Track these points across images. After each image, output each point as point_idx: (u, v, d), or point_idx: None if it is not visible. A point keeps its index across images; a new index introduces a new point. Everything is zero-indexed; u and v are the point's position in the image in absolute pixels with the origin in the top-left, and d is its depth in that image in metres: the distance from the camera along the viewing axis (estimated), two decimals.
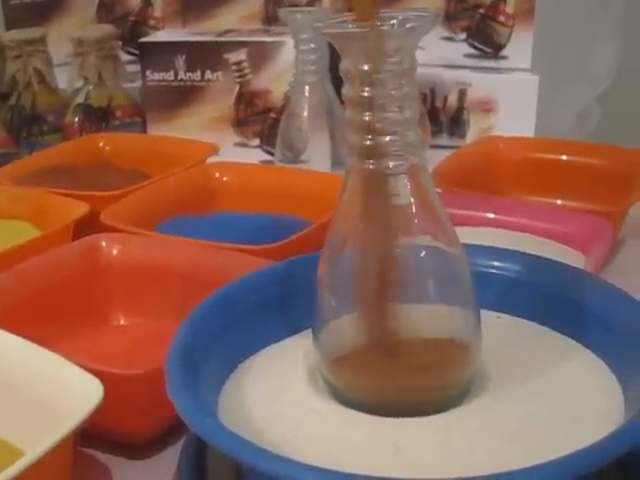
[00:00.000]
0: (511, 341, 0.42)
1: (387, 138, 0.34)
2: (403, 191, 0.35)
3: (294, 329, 0.43)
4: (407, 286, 0.37)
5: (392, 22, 0.32)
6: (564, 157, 0.75)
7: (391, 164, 0.34)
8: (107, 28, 0.92)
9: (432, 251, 0.37)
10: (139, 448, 0.46)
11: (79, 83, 0.91)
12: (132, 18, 1.03)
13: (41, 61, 0.91)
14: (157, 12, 1.03)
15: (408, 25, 0.32)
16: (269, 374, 0.40)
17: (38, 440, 0.37)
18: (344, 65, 0.34)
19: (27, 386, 0.43)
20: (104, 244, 0.61)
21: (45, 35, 0.91)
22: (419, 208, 0.35)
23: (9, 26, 0.99)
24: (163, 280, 0.58)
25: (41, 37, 0.91)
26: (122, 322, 0.59)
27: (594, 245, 0.59)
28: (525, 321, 0.43)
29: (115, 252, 0.60)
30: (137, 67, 0.94)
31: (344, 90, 0.34)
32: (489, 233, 0.62)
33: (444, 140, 0.89)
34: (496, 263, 0.45)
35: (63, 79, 0.94)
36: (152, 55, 0.91)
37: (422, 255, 0.37)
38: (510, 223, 0.62)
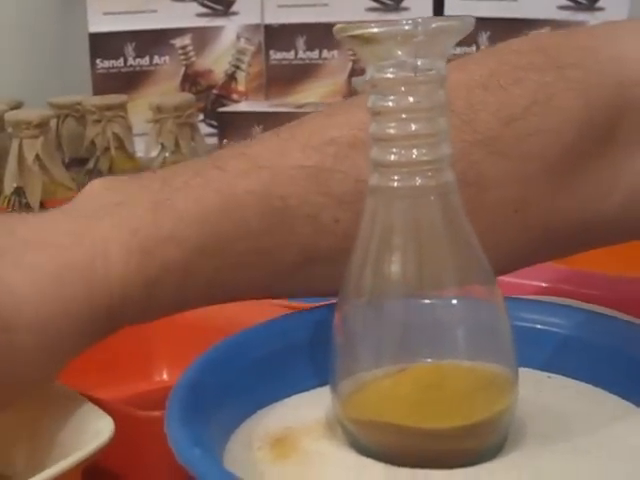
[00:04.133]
0: (559, 401, 0.37)
1: (414, 152, 0.31)
2: (431, 213, 0.31)
3: (321, 380, 0.39)
4: (435, 340, 0.33)
5: (418, 25, 0.29)
6: None
7: (419, 181, 0.31)
8: (186, 96, 0.92)
9: (462, 300, 0.33)
10: None
11: (156, 150, 0.92)
12: (215, 91, 1.04)
13: (120, 127, 0.92)
14: (241, 86, 1.04)
15: (434, 25, 0.29)
16: (284, 420, 0.36)
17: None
18: (369, 73, 0.31)
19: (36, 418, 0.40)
20: None
21: (125, 101, 0.92)
22: (449, 235, 0.32)
23: (96, 93, 1.02)
24: (208, 335, 0.56)
25: (121, 103, 0.92)
26: (164, 377, 0.57)
27: None
28: (577, 382, 0.39)
29: None
30: (217, 140, 0.95)
31: (368, 102, 0.31)
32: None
33: None
34: (549, 319, 0.41)
35: (143, 148, 0.95)
36: (230, 124, 0.91)
37: (450, 304, 0.33)
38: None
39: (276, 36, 1.03)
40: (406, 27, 0.29)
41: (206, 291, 0.40)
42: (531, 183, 0.40)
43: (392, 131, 0.31)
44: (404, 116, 0.31)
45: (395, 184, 0.31)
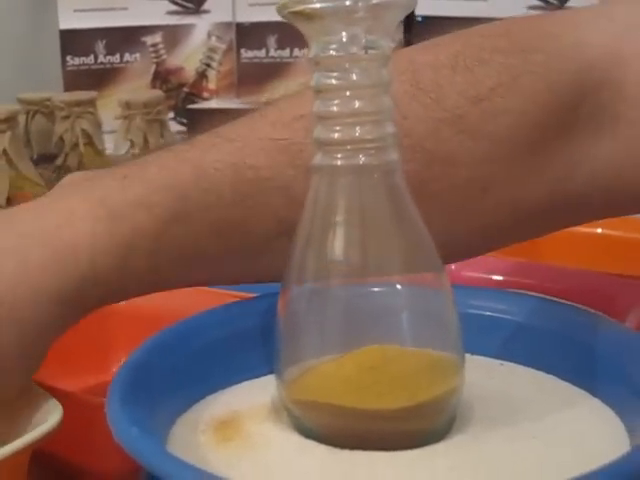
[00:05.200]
0: (510, 388, 0.37)
1: (358, 130, 0.31)
2: (375, 192, 0.31)
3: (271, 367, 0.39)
4: (379, 326, 0.33)
5: (359, 1, 0.29)
6: None
7: (362, 159, 0.31)
8: (155, 93, 0.92)
9: (407, 285, 0.33)
10: None
11: (125, 147, 0.91)
12: (186, 89, 1.04)
13: (89, 123, 0.91)
14: (211, 84, 1.04)
15: (376, 1, 0.29)
16: (231, 405, 0.36)
17: None
18: (313, 51, 0.31)
19: None
20: None
21: (94, 98, 0.92)
22: (394, 215, 0.32)
23: (67, 90, 1.01)
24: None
25: (90, 99, 0.91)
26: None
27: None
28: (529, 369, 0.39)
29: None
30: (187, 136, 0.94)
31: (312, 80, 0.31)
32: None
33: None
34: (500, 306, 0.41)
35: (113, 146, 0.94)
36: (200, 121, 0.91)
37: (395, 290, 0.33)
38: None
39: (247, 34, 1.03)
40: (347, 3, 0.29)
41: (180, 261, 0.39)
42: (499, 163, 0.40)
43: (335, 109, 0.31)
44: (348, 94, 0.31)
45: (338, 162, 0.31)
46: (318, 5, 0.29)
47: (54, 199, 0.39)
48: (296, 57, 0.99)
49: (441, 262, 0.33)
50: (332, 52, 0.30)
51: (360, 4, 0.29)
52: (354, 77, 0.31)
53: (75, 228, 0.36)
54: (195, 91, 1.02)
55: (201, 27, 1.02)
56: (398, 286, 0.32)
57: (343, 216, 0.31)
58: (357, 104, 0.31)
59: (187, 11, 1.03)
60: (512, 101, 0.39)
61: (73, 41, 1.02)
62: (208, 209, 0.38)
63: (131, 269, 0.38)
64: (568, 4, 0.87)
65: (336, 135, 0.31)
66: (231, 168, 0.38)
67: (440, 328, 0.33)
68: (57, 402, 0.38)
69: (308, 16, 0.30)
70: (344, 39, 0.30)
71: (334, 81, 0.31)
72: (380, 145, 0.31)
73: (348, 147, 0.31)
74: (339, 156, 0.31)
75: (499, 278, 0.59)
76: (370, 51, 0.30)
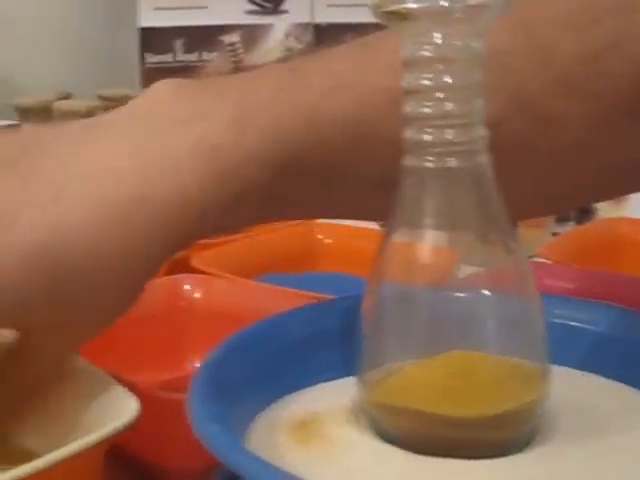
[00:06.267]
0: (592, 400, 0.36)
1: (448, 132, 0.30)
2: (465, 195, 0.31)
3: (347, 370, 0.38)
4: (465, 332, 0.32)
5: (456, 2, 0.29)
6: None
7: (452, 162, 0.30)
8: None
9: (494, 292, 0.32)
10: None
11: None
12: None
13: None
14: None
15: (473, 2, 0.29)
16: (309, 406, 0.36)
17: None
18: (404, 52, 0.30)
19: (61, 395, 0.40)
20: (187, 286, 0.59)
21: None
22: (483, 219, 0.31)
23: (144, 87, 1.02)
24: (243, 325, 0.56)
25: None
26: (196, 365, 0.57)
27: None
28: (612, 381, 0.38)
29: (197, 294, 0.58)
30: None
31: (403, 81, 0.31)
32: None
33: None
34: (584, 316, 0.40)
35: None
36: None
37: (482, 296, 0.32)
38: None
39: (325, 35, 1.03)
40: (444, 3, 0.29)
41: (286, 210, 0.40)
42: (600, 126, 0.39)
43: (426, 110, 0.30)
44: (439, 95, 0.30)
45: (428, 164, 0.31)
46: (415, 5, 0.29)
47: (152, 142, 0.37)
48: None
49: (530, 269, 0.32)
50: (425, 53, 0.30)
51: (457, 5, 0.29)
52: (446, 79, 0.30)
53: (184, 187, 0.36)
54: None
55: (279, 27, 1.03)
56: (485, 291, 0.32)
57: (432, 218, 0.31)
58: (448, 106, 0.30)
59: (265, 11, 1.03)
60: (619, 64, 0.39)
61: (152, 39, 1.03)
62: (319, 161, 0.38)
63: (239, 219, 0.39)
64: None
65: (426, 137, 0.30)
66: (344, 121, 0.38)
67: (526, 336, 0.33)
68: (133, 397, 0.38)
69: (403, 16, 0.29)
70: (438, 40, 0.30)
71: (426, 82, 0.30)
72: (470, 148, 0.31)
73: (438, 149, 0.30)
74: (429, 158, 0.31)
75: (570, 286, 0.58)
76: (463, 52, 0.30)
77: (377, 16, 0.30)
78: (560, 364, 0.38)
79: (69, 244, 0.35)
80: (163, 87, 0.39)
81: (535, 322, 0.33)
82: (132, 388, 0.39)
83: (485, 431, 0.31)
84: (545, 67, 0.38)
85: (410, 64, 0.31)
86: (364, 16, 1.03)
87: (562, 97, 0.39)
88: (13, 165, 0.37)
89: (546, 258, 0.65)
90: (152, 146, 0.36)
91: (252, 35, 1.04)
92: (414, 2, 0.29)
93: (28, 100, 0.96)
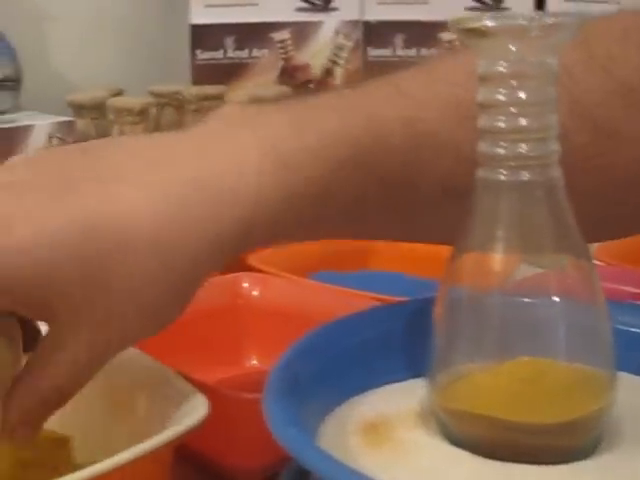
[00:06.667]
0: None
1: (523, 146, 0.31)
2: (538, 208, 0.31)
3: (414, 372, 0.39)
4: (534, 338, 0.33)
5: (534, 20, 0.30)
6: None
7: (526, 176, 0.31)
8: (283, 89, 0.93)
9: (564, 300, 0.33)
10: None
11: None
12: (312, 86, 1.05)
13: None
14: (337, 81, 1.04)
15: (550, 21, 0.29)
16: (378, 408, 0.37)
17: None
18: (481, 67, 0.31)
19: (133, 394, 0.41)
20: (245, 284, 0.60)
21: (224, 92, 0.94)
22: (555, 232, 0.32)
23: (195, 83, 1.03)
24: (300, 324, 0.57)
25: (220, 94, 0.93)
26: (254, 362, 0.58)
27: None
28: None
29: (255, 292, 0.59)
30: None
31: (479, 95, 0.32)
32: None
33: None
34: None
35: None
36: None
37: (552, 303, 0.33)
38: None
39: (374, 33, 1.04)
40: (521, 22, 0.29)
41: (344, 211, 0.39)
42: None
43: (501, 124, 0.31)
44: (514, 110, 0.31)
45: (502, 177, 0.31)
46: (494, 23, 0.30)
47: (218, 139, 0.38)
48: (423, 57, 0.99)
49: (597, 277, 0.33)
50: (500, 69, 0.31)
51: (534, 24, 0.29)
52: (521, 94, 0.31)
53: (243, 178, 0.36)
54: (321, 88, 1.03)
55: (329, 24, 1.03)
56: (555, 299, 0.32)
57: (504, 229, 0.32)
58: (523, 121, 0.31)
59: (315, 8, 1.04)
60: None
61: (203, 36, 1.04)
62: (377, 162, 0.39)
63: (295, 217, 0.38)
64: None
65: (501, 150, 0.31)
66: (404, 122, 0.38)
67: (594, 344, 0.33)
68: (203, 396, 0.39)
69: (482, 33, 0.30)
70: (513, 57, 0.31)
71: (501, 97, 0.31)
72: (544, 162, 0.31)
73: (512, 163, 0.31)
74: (503, 172, 0.31)
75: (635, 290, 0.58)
76: (538, 68, 0.31)
77: (456, 33, 0.31)
78: (624, 371, 0.39)
79: (121, 221, 0.34)
80: (226, 107, 0.41)
81: (603, 329, 0.34)
82: (199, 386, 0.40)
83: (552, 438, 0.32)
84: (605, 79, 0.39)
85: (486, 79, 0.31)
86: (413, 14, 1.04)
87: (621, 110, 0.39)
88: (83, 152, 0.38)
89: (600, 260, 0.65)
90: (215, 143, 0.38)
91: (302, 32, 1.05)
92: (492, 20, 0.30)
93: (82, 96, 0.98)
